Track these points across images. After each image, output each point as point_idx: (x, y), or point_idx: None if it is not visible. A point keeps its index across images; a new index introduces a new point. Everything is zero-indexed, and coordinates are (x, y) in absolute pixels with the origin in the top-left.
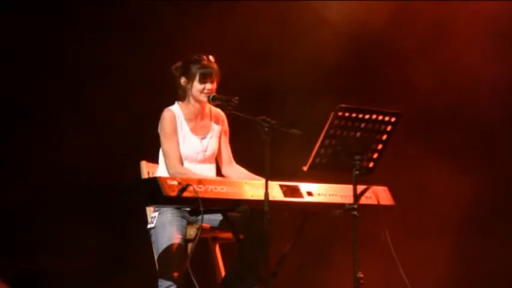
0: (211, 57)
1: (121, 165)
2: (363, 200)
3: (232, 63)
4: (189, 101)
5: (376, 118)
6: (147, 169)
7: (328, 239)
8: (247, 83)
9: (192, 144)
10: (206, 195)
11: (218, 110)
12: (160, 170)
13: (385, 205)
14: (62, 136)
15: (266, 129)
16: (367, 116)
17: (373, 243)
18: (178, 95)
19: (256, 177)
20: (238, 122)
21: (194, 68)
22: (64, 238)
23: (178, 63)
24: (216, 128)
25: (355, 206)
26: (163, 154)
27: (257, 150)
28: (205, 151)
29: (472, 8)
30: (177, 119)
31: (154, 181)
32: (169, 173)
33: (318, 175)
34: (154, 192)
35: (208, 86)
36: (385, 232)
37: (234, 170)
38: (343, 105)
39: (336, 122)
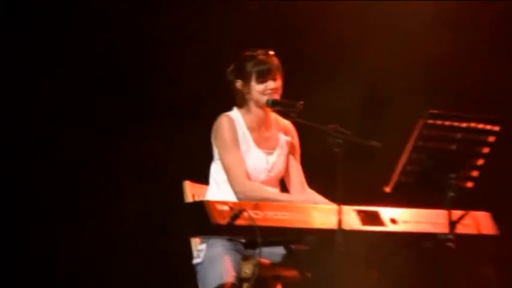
0: (270, 52)
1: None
2: (460, 229)
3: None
4: (249, 108)
5: (476, 127)
6: (191, 191)
7: (416, 276)
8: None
9: (255, 160)
10: (265, 223)
11: (287, 122)
12: (212, 191)
13: (486, 235)
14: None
15: (339, 140)
16: (464, 125)
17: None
18: (236, 103)
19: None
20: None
21: (249, 66)
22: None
23: (232, 66)
24: (284, 144)
25: (451, 236)
26: (225, 169)
27: (324, 166)
28: (271, 170)
29: None
30: (237, 126)
31: (201, 205)
32: (235, 191)
33: (402, 198)
34: (201, 220)
35: (271, 84)
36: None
37: (308, 197)
38: (434, 111)
39: (426, 132)
